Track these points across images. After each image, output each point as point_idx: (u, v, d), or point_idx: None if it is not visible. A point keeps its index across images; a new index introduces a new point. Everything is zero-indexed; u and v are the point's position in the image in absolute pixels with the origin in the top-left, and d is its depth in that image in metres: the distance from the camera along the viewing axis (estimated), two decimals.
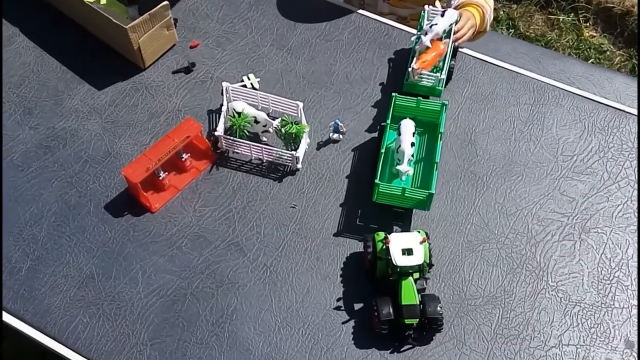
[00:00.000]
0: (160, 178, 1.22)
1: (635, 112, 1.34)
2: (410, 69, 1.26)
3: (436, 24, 1.28)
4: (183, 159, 1.24)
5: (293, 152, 1.23)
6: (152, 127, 1.31)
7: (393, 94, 1.24)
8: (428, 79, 1.27)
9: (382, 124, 1.22)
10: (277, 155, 1.25)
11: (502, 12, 2.68)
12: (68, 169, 1.26)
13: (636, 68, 2.47)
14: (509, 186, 1.23)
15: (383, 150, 1.18)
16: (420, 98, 1.23)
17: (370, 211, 1.20)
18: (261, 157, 1.27)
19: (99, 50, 1.40)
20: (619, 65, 2.52)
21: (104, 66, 1.38)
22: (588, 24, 2.62)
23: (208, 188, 1.24)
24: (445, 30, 1.30)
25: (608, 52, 2.55)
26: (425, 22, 1.34)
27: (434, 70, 1.29)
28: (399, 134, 1.18)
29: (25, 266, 1.14)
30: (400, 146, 1.17)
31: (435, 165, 1.15)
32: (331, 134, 1.30)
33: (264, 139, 1.29)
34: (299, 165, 1.26)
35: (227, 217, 1.20)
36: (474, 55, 1.41)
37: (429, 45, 1.26)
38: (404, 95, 1.25)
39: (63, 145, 1.28)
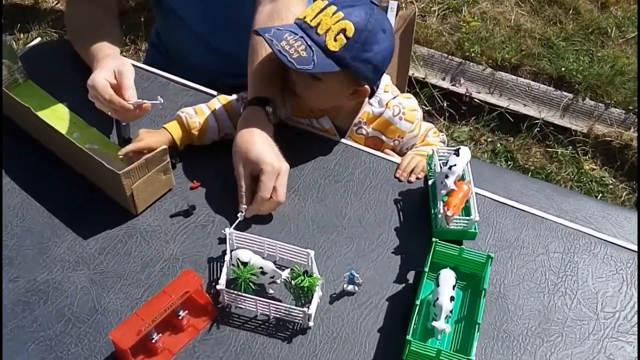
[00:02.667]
0: (153, 341, 1.06)
1: None
2: (440, 216, 1.17)
3: (455, 165, 1.21)
4: (180, 317, 1.10)
5: (305, 309, 1.10)
6: (146, 278, 1.18)
7: (434, 239, 1.14)
8: (459, 222, 1.18)
9: (419, 270, 1.11)
10: (287, 312, 1.11)
11: (499, 145, 2.67)
12: (48, 329, 1.10)
13: None
14: (549, 348, 1.10)
15: (418, 302, 1.05)
16: (464, 247, 1.14)
17: None
18: (268, 313, 1.13)
19: (91, 193, 1.29)
20: (622, 199, 2.47)
21: (96, 210, 1.27)
22: (587, 157, 2.60)
23: (207, 351, 1.09)
24: (463, 169, 1.23)
25: (611, 186, 2.51)
26: (436, 162, 1.26)
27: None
28: (437, 285, 1.06)
29: None
30: (437, 299, 1.04)
31: (477, 326, 1.02)
32: (345, 286, 1.17)
33: (271, 291, 1.16)
34: (311, 323, 1.12)
35: None
36: (492, 197, 1.33)
37: (455, 187, 1.18)
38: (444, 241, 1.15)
39: (44, 300, 1.14)
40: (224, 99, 1.40)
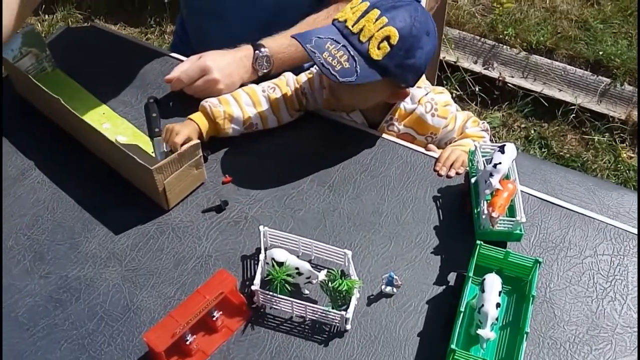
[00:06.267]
0: (187, 342, 1.04)
1: None
2: (483, 216, 1.12)
3: (500, 163, 1.15)
4: (214, 318, 1.07)
5: (342, 312, 1.06)
6: (179, 275, 1.15)
7: (478, 241, 1.09)
8: (504, 223, 1.13)
9: (460, 271, 1.07)
10: (323, 314, 1.08)
11: (533, 131, 2.59)
12: (80, 327, 1.08)
13: None
14: (597, 356, 1.05)
15: (463, 309, 1.01)
16: (509, 250, 1.09)
17: None
18: (304, 315, 1.10)
19: (122, 187, 1.26)
20: None
21: (127, 205, 1.24)
22: (625, 145, 2.52)
23: (242, 353, 1.06)
24: (509, 167, 1.17)
25: None
26: (479, 159, 1.20)
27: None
28: (482, 291, 1.02)
29: None
30: (483, 306, 1.00)
31: (525, 335, 0.97)
32: (383, 287, 1.13)
33: (306, 291, 1.13)
34: (348, 326, 1.08)
35: None
36: (537, 195, 1.27)
37: (500, 187, 1.12)
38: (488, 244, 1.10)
39: (76, 298, 1.12)
40: (248, 88, 1.36)
